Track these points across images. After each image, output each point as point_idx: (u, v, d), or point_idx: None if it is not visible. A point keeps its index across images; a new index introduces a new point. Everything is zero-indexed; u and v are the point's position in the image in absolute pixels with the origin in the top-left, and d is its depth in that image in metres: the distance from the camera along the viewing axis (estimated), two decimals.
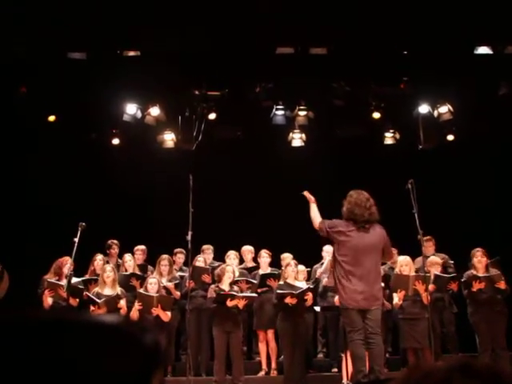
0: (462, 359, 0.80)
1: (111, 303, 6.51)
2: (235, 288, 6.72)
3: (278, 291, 6.73)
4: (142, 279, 7.11)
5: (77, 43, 7.46)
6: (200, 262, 7.45)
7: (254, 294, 6.84)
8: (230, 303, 6.47)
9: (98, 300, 6.46)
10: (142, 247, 7.84)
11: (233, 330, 6.53)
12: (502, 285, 6.67)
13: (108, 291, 6.63)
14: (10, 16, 6.70)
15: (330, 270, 6.05)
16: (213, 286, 6.77)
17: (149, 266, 7.71)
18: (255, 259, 7.82)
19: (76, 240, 6.07)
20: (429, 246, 7.26)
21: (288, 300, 6.62)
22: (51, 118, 8.23)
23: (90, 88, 7.74)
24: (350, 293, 5.10)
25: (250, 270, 7.65)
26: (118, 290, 6.69)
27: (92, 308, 6.44)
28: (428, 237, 6.65)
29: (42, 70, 7.49)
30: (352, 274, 5.10)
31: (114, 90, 7.98)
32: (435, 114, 8.33)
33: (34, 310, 0.74)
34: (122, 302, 6.65)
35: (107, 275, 6.68)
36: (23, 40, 7.10)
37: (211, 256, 7.88)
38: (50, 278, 6.78)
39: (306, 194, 5.56)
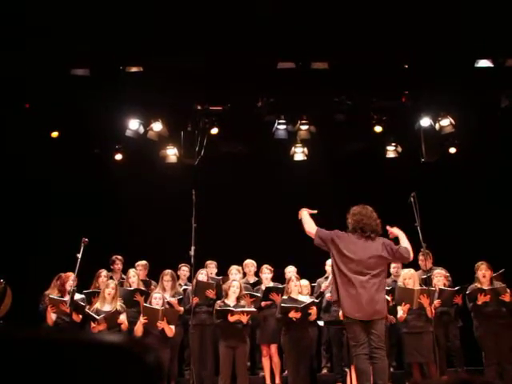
0: (461, 376, 0.79)
1: (111, 319, 6.46)
2: (242, 302, 6.70)
3: (282, 305, 6.70)
4: (147, 295, 7.09)
5: (80, 60, 7.52)
6: (203, 275, 7.37)
7: (254, 309, 6.77)
8: (231, 318, 6.45)
9: (96, 316, 6.41)
10: (143, 262, 7.82)
11: (238, 345, 6.50)
12: (506, 297, 6.61)
13: (107, 307, 6.60)
14: (14, 32, 6.76)
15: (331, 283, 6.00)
16: (218, 301, 6.75)
17: (152, 281, 7.70)
18: (257, 273, 7.79)
19: (79, 256, 6.07)
20: (428, 260, 7.20)
21: (292, 314, 6.58)
22: (54, 134, 8.27)
23: (92, 104, 7.80)
24: (351, 302, 5.05)
25: (252, 285, 7.61)
26: (118, 305, 6.65)
27: (92, 325, 6.41)
28: (426, 250, 6.60)
29: (46, 86, 7.55)
30: (354, 284, 5.05)
31: (117, 105, 8.03)
32: (437, 126, 8.33)
33: (36, 328, 0.74)
34: (122, 317, 6.59)
35: (109, 291, 6.66)
36: (26, 56, 7.16)
37: (214, 271, 7.86)
38: (53, 293, 6.76)
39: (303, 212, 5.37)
